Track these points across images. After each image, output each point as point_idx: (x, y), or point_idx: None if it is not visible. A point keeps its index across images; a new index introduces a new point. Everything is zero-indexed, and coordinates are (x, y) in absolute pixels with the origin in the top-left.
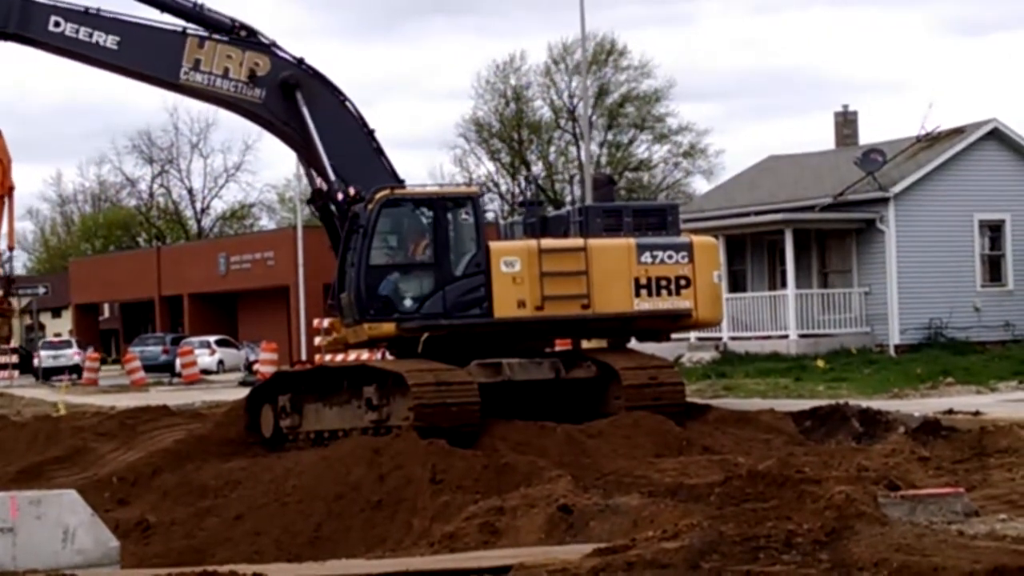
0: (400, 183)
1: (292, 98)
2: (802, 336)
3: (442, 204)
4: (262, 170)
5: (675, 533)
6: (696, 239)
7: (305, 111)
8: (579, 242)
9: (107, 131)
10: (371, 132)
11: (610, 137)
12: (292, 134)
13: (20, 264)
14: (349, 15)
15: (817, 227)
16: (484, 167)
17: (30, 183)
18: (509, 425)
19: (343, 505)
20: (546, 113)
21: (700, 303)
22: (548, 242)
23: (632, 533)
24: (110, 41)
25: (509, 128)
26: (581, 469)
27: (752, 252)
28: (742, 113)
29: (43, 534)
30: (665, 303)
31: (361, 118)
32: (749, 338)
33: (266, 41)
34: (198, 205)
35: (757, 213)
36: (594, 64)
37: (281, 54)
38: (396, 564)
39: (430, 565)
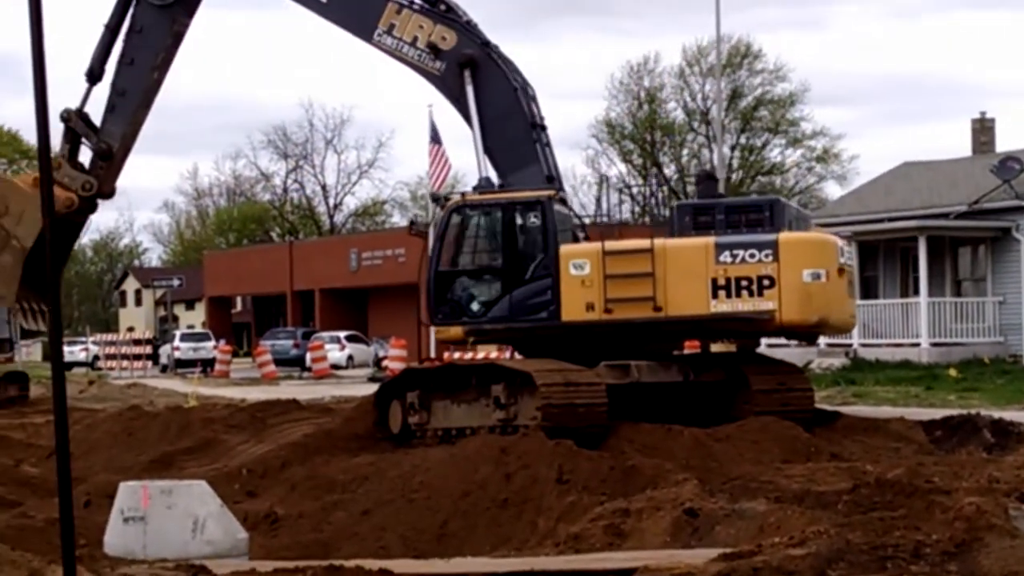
0: (551, 181)
1: (474, 76)
2: (934, 344)
3: (510, 209)
4: (395, 167)
5: (802, 540)
6: (784, 236)
7: (469, 90)
8: (645, 243)
9: (243, 126)
10: (535, 126)
11: (743, 140)
12: (462, 111)
13: (155, 256)
14: (483, 13)
15: (951, 235)
16: (616, 168)
17: (167, 177)
18: (636, 427)
19: (469, 503)
20: (679, 115)
21: (785, 304)
22: (612, 244)
23: (758, 539)
24: None
25: (642, 129)
26: (708, 473)
27: (885, 259)
28: (877, 118)
29: (173, 524)
30: (746, 305)
31: (531, 110)
32: (880, 345)
33: (462, 19)
34: (331, 201)
35: (891, 219)
36: (728, 67)
37: (470, 33)
38: (521, 563)
39: (555, 565)
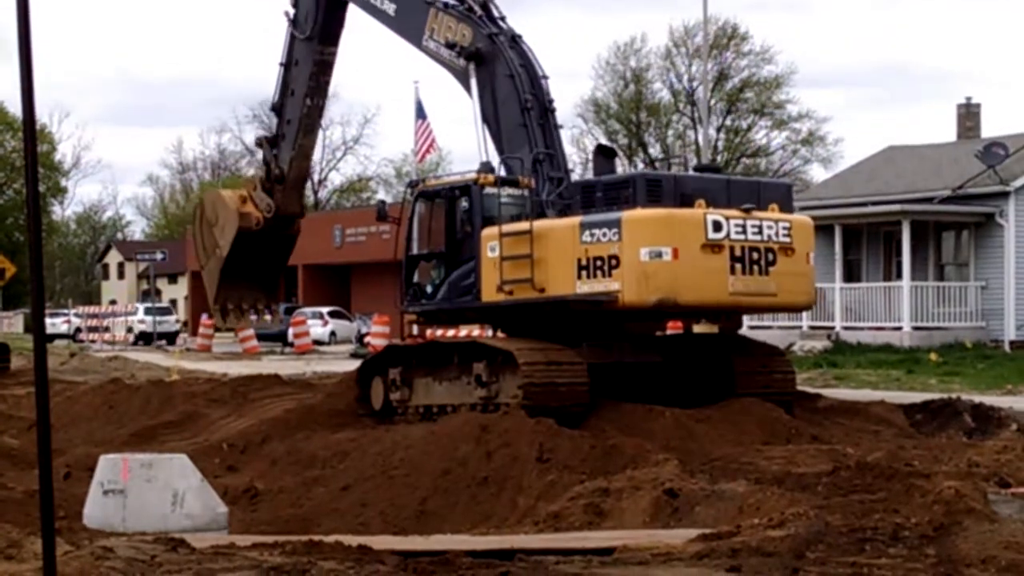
0: (538, 163)
1: (480, 67)
2: (916, 328)
3: (450, 194)
4: (380, 144)
5: (781, 521)
6: (628, 214)
7: (473, 82)
8: (526, 225)
9: (228, 100)
10: (527, 110)
11: (728, 122)
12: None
13: (139, 230)
14: None
15: (935, 219)
16: None
17: (151, 150)
18: (617, 407)
19: (449, 480)
20: (665, 96)
21: (626, 284)
22: (508, 226)
23: (737, 520)
24: (390, 8)
25: (627, 110)
26: (688, 453)
27: (868, 242)
28: (863, 102)
29: (153, 497)
30: (599, 285)
31: (529, 96)
32: (862, 328)
33: (477, 14)
34: (316, 177)
35: (874, 203)
36: (715, 48)
37: (480, 27)
38: (501, 541)
39: (534, 543)
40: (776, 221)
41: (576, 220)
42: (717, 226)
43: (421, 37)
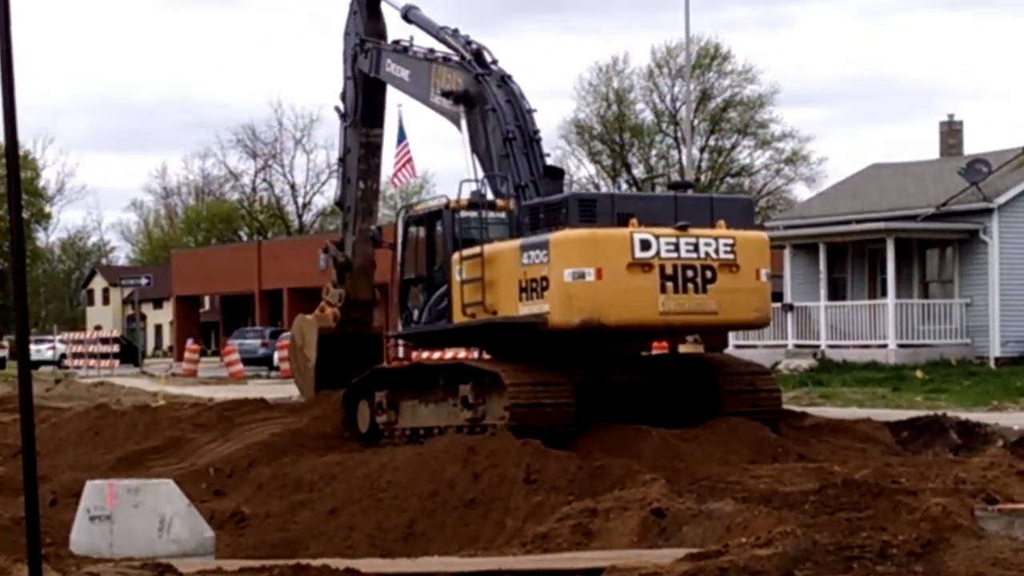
0: (520, 189)
1: (471, 108)
2: (901, 346)
3: (427, 219)
4: None
5: (768, 540)
6: (555, 235)
7: (463, 123)
8: (478, 249)
9: (212, 125)
10: (510, 140)
11: (712, 142)
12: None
13: (123, 255)
14: (451, 10)
15: (919, 237)
16: (585, 169)
17: (135, 175)
18: (604, 427)
19: (437, 502)
20: (648, 116)
21: (552, 306)
22: (465, 251)
23: (725, 539)
24: (405, 74)
25: (610, 131)
26: (675, 473)
27: (853, 260)
28: (846, 119)
29: (140, 522)
30: (535, 307)
31: (509, 125)
32: (848, 346)
33: (467, 56)
34: (300, 200)
35: (859, 221)
36: (697, 68)
37: (469, 70)
38: (489, 563)
39: (523, 565)
40: (716, 238)
41: (517, 243)
42: (645, 245)
43: (429, 94)
